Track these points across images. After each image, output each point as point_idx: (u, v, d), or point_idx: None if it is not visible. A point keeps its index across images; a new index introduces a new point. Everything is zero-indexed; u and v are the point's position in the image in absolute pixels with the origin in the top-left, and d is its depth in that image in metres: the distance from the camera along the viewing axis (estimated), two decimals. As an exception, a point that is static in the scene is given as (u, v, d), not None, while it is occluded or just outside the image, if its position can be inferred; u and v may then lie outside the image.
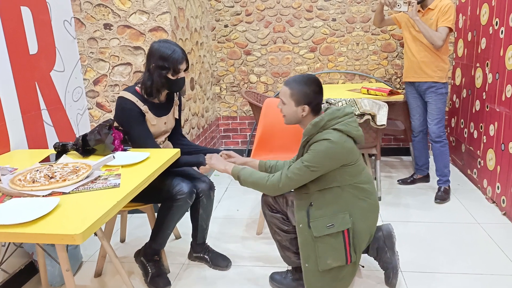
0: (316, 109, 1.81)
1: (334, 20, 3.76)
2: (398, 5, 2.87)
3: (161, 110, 2.13)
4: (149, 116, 2.06)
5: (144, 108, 2.04)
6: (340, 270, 1.82)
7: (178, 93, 2.24)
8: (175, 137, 2.29)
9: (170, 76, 2.01)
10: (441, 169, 3.03)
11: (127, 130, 2.04)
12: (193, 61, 3.25)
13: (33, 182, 1.51)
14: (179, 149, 2.04)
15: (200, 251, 2.29)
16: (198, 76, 3.44)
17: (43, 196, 1.44)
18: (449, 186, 3.05)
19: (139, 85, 2.06)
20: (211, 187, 2.22)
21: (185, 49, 3.02)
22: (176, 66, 1.99)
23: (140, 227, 2.79)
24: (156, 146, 2.08)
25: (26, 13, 2.26)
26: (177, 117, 2.27)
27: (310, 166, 1.71)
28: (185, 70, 2.08)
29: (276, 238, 2.02)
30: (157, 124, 2.11)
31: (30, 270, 2.20)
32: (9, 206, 1.36)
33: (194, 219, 2.24)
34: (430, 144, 3.09)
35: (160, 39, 2.07)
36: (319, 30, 3.80)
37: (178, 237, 2.63)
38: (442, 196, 2.98)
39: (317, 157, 1.70)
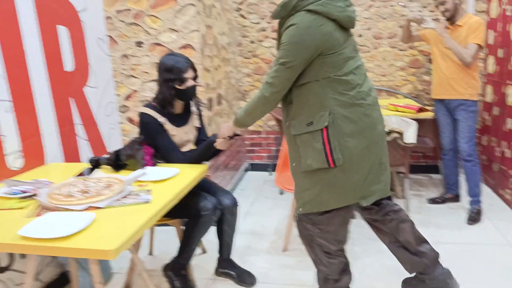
0: None
1: (360, 36, 3.76)
2: (426, 22, 2.85)
3: (180, 120, 2.20)
4: (169, 127, 2.13)
5: (162, 120, 2.11)
6: (326, 173, 1.60)
7: (195, 103, 2.29)
8: (201, 139, 2.33)
9: (177, 86, 2.07)
10: (472, 189, 2.95)
11: (152, 143, 2.10)
12: (220, 76, 3.31)
13: (69, 196, 1.56)
14: (207, 165, 2.07)
15: (226, 266, 2.30)
16: (225, 91, 3.49)
17: (79, 210, 1.48)
18: (480, 207, 2.96)
19: (155, 100, 2.16)
20: (235, 203, 2.23)
21: (212, 65, 3.07)
22: (180, 75, 2.05)
23: (168, 240, 2.82)
24: (182, 155, 2.13)
25: (62, 31, 2.36)
26: (198, 126, 2.32)
27: (284, 62, 1.51)
28: (194, 79, 2.13)
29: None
30: (178, 134, 2.17)
31: (62, 280, 2.26)
32: (47, 220, 1.40)
33: (219, 235, 2.26)
34: (461, 163, 3.02)
35: (167, 53, 2.15)
36: (346, 46, 3.80)
37: (204, 251, 2.65)
38: (474, 216, 2.89)
39: (287, 49, 1.50)
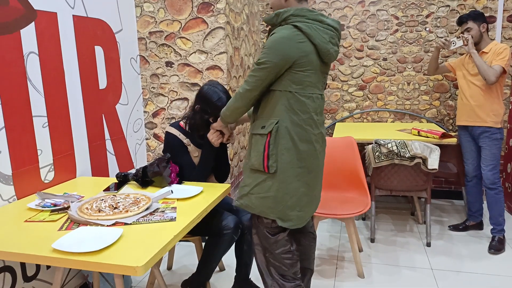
0: None
1: (385, 59, 3.79)
2: (453, 43, 2.90)
3: (203, 143, 2.24)
4: (191, 149, 2.20)
5: (186, 141, 2.19)
6: (261, 177, 1.71)
7: None
8: (221, 165, 2.36)
9: (211, 120, 2.12)
10: (496, 217, 2.90)
11: (173, 160, 2.17)
12: (245, 96, 3.38)
13: (99, 211, 1.63)
14: (229, 184, 2.13)
15: (244, 286, 2.32)
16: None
17: (107, 225, 1.55)
18: (504, 236, 2.90)
19: (184, 120, 2.22)
20: None
21: (237, 85, 3.16)
22: (217, 113, 2.04)
23: (187, 255, 2.87)
24: (200, 175, 2.18)
25: (99, 52, 2.49)
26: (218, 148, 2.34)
27: (259, 62, 1.62)
28: None
29: None
30: (199, 155, 2.22)
31: (84, 291, 2.33)
32: (77, 234, 1.48)
33: (238, 254, 2.28)
34: (484, 190, 2.98)
35: (212, 82, 2.18)
36: (369, 69, 3.84)
37: (222, 269, 2.68)
38: (497, 246, 2.84)
39: (265, 52, 1.61)
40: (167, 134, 2.20)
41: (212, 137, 2.10)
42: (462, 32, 2.90)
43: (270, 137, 1.67)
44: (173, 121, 2.99)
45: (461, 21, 2.92)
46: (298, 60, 1.61)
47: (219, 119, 1.96)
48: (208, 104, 2.10)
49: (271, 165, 1.68)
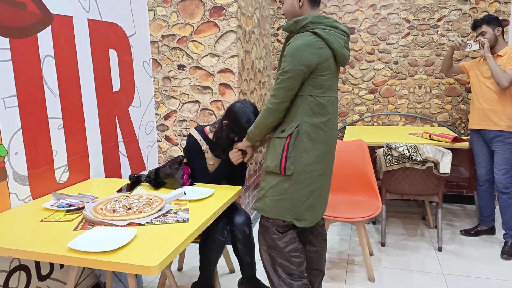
0: (313, 1, 1.75)
1: (396, 63, 3.78)
2: (469, 45, 2.89)
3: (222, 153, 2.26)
4: (208, 156, 2.21)
5: (205, 147, 2.20)
6: (276, 179, 1.75)
7: None
8: (234, 179, 2.37)
9: (236, 139, 2.13)
10: (508, 222, 2.87)
11: (188, 162, 2.20)
12: (254, 99, 3.40)
13: (113, 212, 1.66)
14: (240, 187, 2.14)
15: (252, 286, 2.32)
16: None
17: (121, 226, 1.57)
18: (517, 241, 2.88)
19: (211, 128, 2.24)
20: (246, 222, 2.21)
21: (248, 88, 3.18)
22: (243, 133, 2.06)
23: (197, 256, 2.88)
24: (207, 181, 2.21)
25: (113, 55, 2.52)
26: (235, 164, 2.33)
27: (284, 71, 1.65)
28: None
29: None
30: (214, 164, 2.24)
31: (96, 291, 2.36)
32: (92, 234, 1.50)
33: (236, 254, 2.26)
34: (496, 195, 2.96)
35: (245, 101, 2.16)
36: (380, 73, 3.83)
37: (232, 271, 2.69)
38: (509, 251, 2.81)
39: (288, 61, 1.65)
40: (190, 136, 2.24)
41: (234, 156, 2.12)
42: (477, 36, 2.89)
43: (289, 139, 1.72)
44: (184, 124, 3.02)
45: (475, 25, 2.91)
46: (319, 65, 1.66)
47: (244, 138, 1.98)
48: (236, 123, 2.09)
49: (288, 167, 1.71)
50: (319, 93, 1.71)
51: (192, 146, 2.21)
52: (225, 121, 2.14)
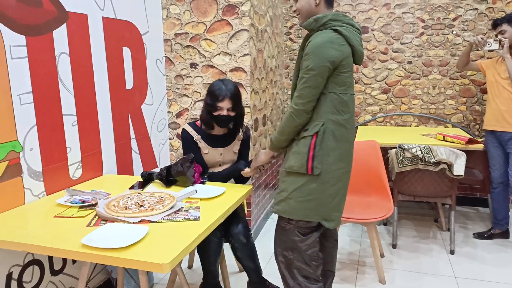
0: (329, 0, 1.76)
1: (410, 63, 3.74)
2: (489, 44, 2.85)
3: (218, 141, 2.30)
4: (202, 145, 2.27)
5: (196, 137, 2.26)
6: (301, 180, 1.71)
7: (243, 128, 2.36)
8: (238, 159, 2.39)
9: (212, 111, 2.17)
10: (524, 226, 2.83)
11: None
12: (266, 98, 3.40)
13: (126, 208, 1.67)
14: (251, 186, 2.14)
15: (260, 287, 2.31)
16: (270, 112, 3.57)
17: (133, 223, 1.58)
18: (532, 245, 2.83)
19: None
20: (244, 232, 2.18)
21: (260, 87, 3.17)
22: (215, 102, 2.14)
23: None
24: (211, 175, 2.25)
25: (126, 53, 2.54)
26: (237, 151, 2.36)
27: (309, 69, 1.63)
28: (231, 110, 2.16)
29: None
30: (210, 153, 2.27)
31: (107, 287, 2.38)
32: (105, 230, 1.51)
33: (239, 261, 2.25)
34: (511, 198, 2.91)
35: (223, 78, 2.25)
36: (394, 72, 3.80)
37: (241, 270, 2.69)
38: (524, 255, 2.77)
39: (311, 58, 1.63)
40: (182, 130, 2.31)
41: (251, 174, 2.13)
42: (496, 35, 2.85)
43: (316, 138, 1.69)
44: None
45: (496, 23, 2.88)
46: (342, 62, 1.65)
47: (267, 149, 1.93)
48: (209, 94, 2.18)
49: (315, 166, 1.68)
50: (342, 90, 1.69)
51: (186, 138, 2.27)
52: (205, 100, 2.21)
